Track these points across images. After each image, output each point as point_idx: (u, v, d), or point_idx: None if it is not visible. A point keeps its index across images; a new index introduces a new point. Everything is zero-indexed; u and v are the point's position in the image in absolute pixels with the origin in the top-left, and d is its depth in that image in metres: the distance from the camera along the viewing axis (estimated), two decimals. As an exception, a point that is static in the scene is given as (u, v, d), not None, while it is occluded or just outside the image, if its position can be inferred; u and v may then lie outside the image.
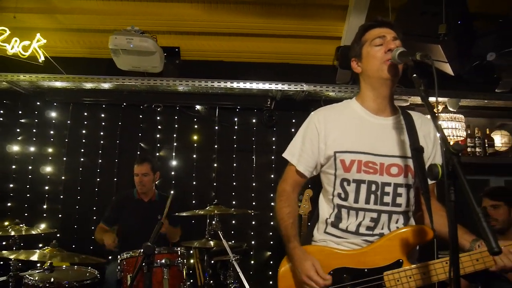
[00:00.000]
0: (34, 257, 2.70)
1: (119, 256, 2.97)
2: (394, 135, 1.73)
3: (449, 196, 1.17)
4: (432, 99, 1.42)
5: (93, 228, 4.03)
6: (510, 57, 3.78)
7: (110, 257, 3.65)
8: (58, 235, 3.82)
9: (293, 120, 4.35)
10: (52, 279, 2.70)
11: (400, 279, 1.57)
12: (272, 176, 4.30)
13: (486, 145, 4.40)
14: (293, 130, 4.25)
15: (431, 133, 1.78)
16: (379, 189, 1.68)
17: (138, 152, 4.29)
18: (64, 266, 3.01)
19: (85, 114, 4.33)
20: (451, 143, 1.22)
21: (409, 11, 3.41)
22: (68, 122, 4.31)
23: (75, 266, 2.99)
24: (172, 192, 2.28)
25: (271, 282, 4.12)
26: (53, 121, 4.32)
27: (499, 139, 4.46)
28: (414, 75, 1.50)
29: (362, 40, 1.78)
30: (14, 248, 3.09)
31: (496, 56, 3.67)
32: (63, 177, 4.23)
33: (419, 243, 1.65)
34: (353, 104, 1.82)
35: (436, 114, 1.37)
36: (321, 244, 1.77)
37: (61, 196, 4.20)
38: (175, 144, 4.34)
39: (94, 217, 4.12)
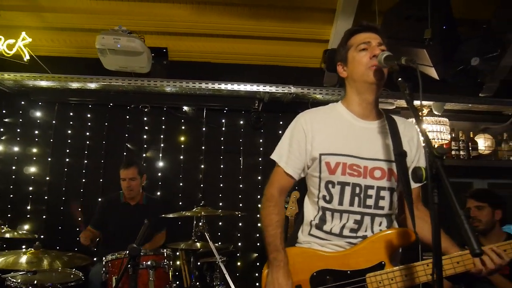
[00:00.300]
0: (19, 262, 2.65)
1: (104, 258, 2.94)
2: (379, 139, 1.75)
3: (433, 199, 1.19)
4: (417, 102, 1.44)
5: (77, 229, 3.99)
6: (493, 62, 3.86)
7: (95, 259, 3.61)
8: (42, 236, 3.77)
9: (281, 122, 4.36)
10: (35, 281, 2.65)
11: (382, 281, 1.59)
12: (259, 178, 4.31)
13: (470, 148, 4.48)
14: (280, 132, 4.26)
15: (414, 137, 1.81)
16: (362, 192, 1.69)
17: (125, 153, 4.25)
18: (47, 268, 2.96)
19: (71, 114, 4.28)
20: (435, 146, 1.24)
21: (395, 15, 3.44)
22: (53, 122, 4.25)
23: (59, 268, 2.94)
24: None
25: (257, 284, 4.12)
26: (38, 121, 4.26)
27: (482, 143, 4.54)
28: (400, 79, 1.52)
29: (348, 44, 1.80)
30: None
31: (480, 61, 3.74)
32: (47, 178, 4.17)
33: (402, 246, 1.67)
34: (339, 107, 1.84)
35: (421, 118, 1.39)
36: (305, 245, 1.77)
37: (46, 197, 4.14)
38: (162, 145, 4.31)
39: (79, 218, 4.07)
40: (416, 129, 1.83)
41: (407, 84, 1.48)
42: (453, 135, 4.47)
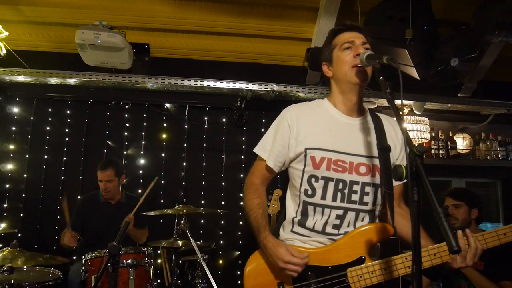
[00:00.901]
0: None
1: (83, 257, 2.89)
2: (363, 135, 1.77)
3: (413, 196, 1.21)
4: (397, 101, 1.46)
5: (56, 227, 3.92)
6: (472, 63, 3.95)
7: (74, 257, 3.55)
8: (19, 235, 3.69)
9: (263, 120, 4.36)
10: (12, 281, 2.59)
11: (363, 275, 1.62)
12: (242, 175, 4.30)
13: (449, 148, 4.56)
14: (263, 130, 4.27)
15: (398, 135, 1.84)
16: (346, 187, 1.71)
17: (105, 150, 4.18)
18: (25, 267, 2.89)
19: (50, 110, 4.18)
20: (415, 144, 1.26)
21: (377, 16, 3.49)
22: (32, 118, 4.15)
23: (37, 267, 2.87)
24: (156, 177, 2.29)
25: (239, 282, 4.11)
26: (15, 117, 4.15)
27: (461, 142, 4.64)
28: (381, 77, 1.54)
29: (332, 44, 1.82)
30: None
31: (459, 62, 3.82)
32: (25, 175, 4.07)
33: (381, 240, 1.70)
34: (325, 103, 1.86)
35: (401, 116, 1.40)
36: (287, 243, 1.77)
37: (23, 195, 4.03)
38: (143, 142, 4.26)
39: (58, 217, 3.99)
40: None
41: (388, 83, 1.50)
42: (433, 134, 4.55)
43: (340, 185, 1.71)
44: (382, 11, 3.47)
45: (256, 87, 3.97)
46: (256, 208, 1.76)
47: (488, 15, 3.37)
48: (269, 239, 1.68)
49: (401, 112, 4.37)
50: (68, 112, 4.21)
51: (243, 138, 4.39)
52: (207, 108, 4.38)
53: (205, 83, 3.94)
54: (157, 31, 4.15)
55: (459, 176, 4.84)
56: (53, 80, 3.89)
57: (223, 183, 4.29)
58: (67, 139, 4.17)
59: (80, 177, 4.11)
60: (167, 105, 4.28)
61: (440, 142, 4.56)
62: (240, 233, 4.22)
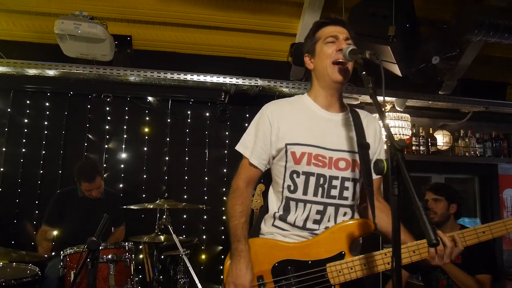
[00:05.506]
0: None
1: (62, 252, 2.84)
2: (343, 130, 1.77)
3: (393, 190, 1.22)
4: (380, 98, 1.46)
5: (35, 223, 3.84)
6: (452, 62, 4.01)
7: (53, 253, 3.48)
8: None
9: (247, 115, 4.35)
10: (-13, 277, 2.53)
11: (342, 270, 1.62)
12: (225, 170, 4.29)
13: (429, 144, 4.63)
14: (246, 124, 4.24)
15: (377, 131, 1.85)
16: (326, 182, 1.71)
17: (86, 144, 4.10)
18: (1, 263, 2.83)
19: (28, 102, 4.08)
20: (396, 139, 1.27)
21: (360, 12, 3.50)
22: (9, 110, 4.03)
23: (14, 263, 2.81)
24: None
25: (221, 277, 4.11)
26: (-8, 109, 4.04)
27: (441, 139, 4.71)
28: (364, 72, 1.54)
29: (316, 36, 1.81)
30: None
31: (440, 60, 3.87)
32: (1, 169, 3.96)
33: (361, 236, 1.71)
34: (305, 98, 1.86)
35: (383, 111, 1.41)
36: (268, 237, 1.78)
37: (0, 189, 3.94)
38: (125, 136, 4.19)
39: (36, 211, 3.91)
40: (378, 122, 1.87)
41: (371, 78, 1.50)
42: (414, 131, 4.61)
43: (321, 180, 1.71)
44: (365, 8, 3.49)
45: (239, 81, 3.96)
46: (239, 216, 1.72)
47: (467, 15, 3.42)
48: (245, 257, 1.65)
49: (383, 108, 4.42)
50: (47, 104, 4.11)
51: (227, 133, 4.37)
52: (190, 102, 4.34)
53: (189, 77, 3.90)
54: (140, 23, 4.08)
55: (438, 172, 4.93)
56: (32, 71, 3.79)
57: (206, 178, 4.26)
58: (45, 132, 4.07)
59: (60, 171, 4.03)
60: (150, 98, 4.23)
61: (420, 138, 4.62)
62: (222, 228, 4.21)
